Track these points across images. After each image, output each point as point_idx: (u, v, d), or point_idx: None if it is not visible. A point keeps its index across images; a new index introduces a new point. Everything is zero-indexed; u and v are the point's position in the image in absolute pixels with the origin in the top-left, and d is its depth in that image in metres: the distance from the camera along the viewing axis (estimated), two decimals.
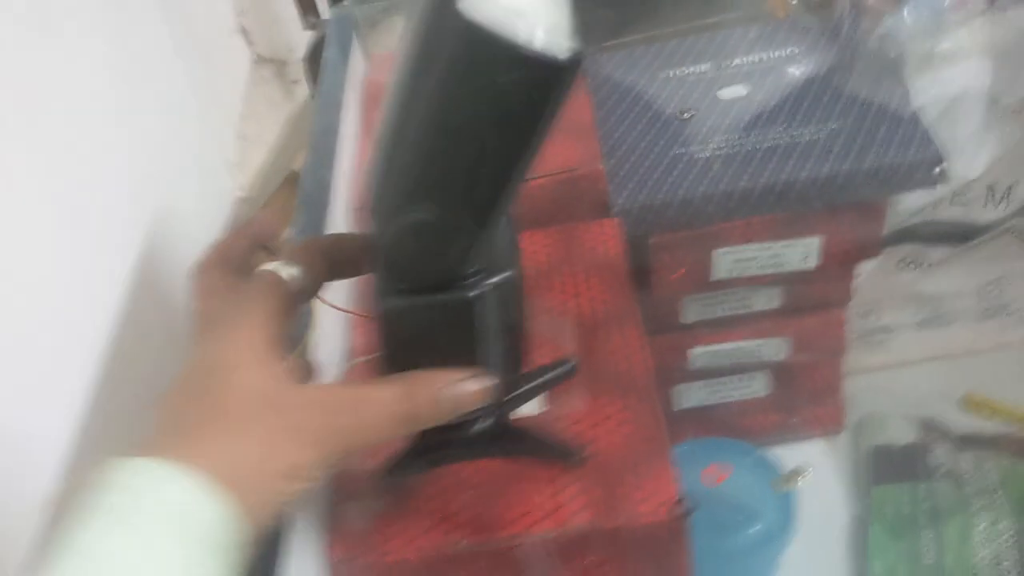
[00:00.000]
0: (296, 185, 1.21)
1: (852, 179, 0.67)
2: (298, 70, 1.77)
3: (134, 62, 1.15)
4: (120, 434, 0.95)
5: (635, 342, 0.58)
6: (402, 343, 0.43)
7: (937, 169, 0.67)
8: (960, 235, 0.85)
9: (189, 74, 1.36)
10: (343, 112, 0.73)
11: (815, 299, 0.75)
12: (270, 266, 0.43)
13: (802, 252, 0.71)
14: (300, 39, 1.77)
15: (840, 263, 0.72)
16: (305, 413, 0.39)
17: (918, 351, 0.90)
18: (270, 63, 1.77)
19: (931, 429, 0.83)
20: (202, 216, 1.32)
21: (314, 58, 0.86)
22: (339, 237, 0.50)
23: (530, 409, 0.55)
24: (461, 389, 0.41)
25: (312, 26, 1.63)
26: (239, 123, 1.63)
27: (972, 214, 0.84)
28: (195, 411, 0.38)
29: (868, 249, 0.71)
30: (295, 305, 0.43)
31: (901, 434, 0.83)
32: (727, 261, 0.71)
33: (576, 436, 0.53)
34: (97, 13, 0.97)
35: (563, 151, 0.70)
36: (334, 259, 0.46)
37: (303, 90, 1.72)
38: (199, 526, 0.34)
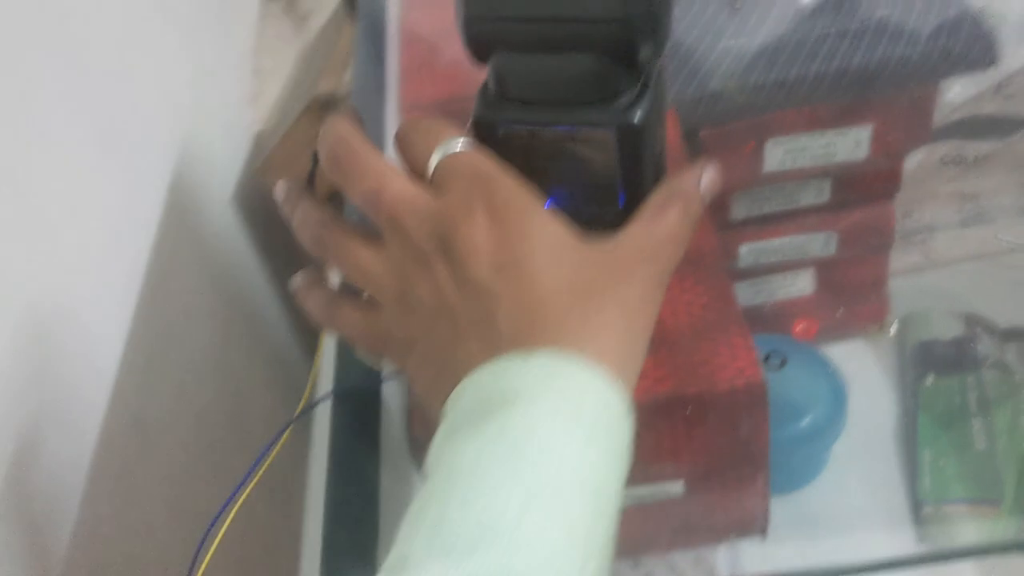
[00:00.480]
0: (319, 111, 1.21)
1: (904, 65, 0.66)
2: (307, 4, 1.76)
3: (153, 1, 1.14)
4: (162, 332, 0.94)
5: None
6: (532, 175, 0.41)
7: (989, 51, 0.66)
8: (1003, 129, 0.85)
9: (204, 12, 1.35)
10: (385, 10, 0.72)
11: (864, 191, 0.75)
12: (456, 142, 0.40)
13: (854, 141, 0.70)
14: None
15: (890, 152, 0.72)
16: (637, 266, 0.39)
17: (960, 250, 0.90)
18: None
19: (975, 323, 0.84)
20: (225, 147, 1.32)
21: None
22: None
23: None
24: (709, 179, 0.42)
25: None
26: (253, 57, 1.62)
27: (1015, 107, 0.83)
28: (560, 297, 0.38)
29: (919, 137, 0.71)
30: None
31: (946, 329, 0.83)
32: (778, 152, 0.70)
33: None
34: None
35: None
36: None
37: (314, 23, 1.71)
38: (601, 416, 0.36)
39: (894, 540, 0.72)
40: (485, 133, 0.41)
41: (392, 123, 0.65)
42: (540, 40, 0.38)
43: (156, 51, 1.11)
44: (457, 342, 0.38)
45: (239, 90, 1.47)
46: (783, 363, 0.70)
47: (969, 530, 0.71)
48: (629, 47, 0.38)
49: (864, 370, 0.83)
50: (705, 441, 0.51)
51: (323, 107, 1.16)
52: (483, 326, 0.37)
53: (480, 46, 0.40)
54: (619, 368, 0.37)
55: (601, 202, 0.42)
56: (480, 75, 0.72)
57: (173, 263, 1.03)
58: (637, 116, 0.39)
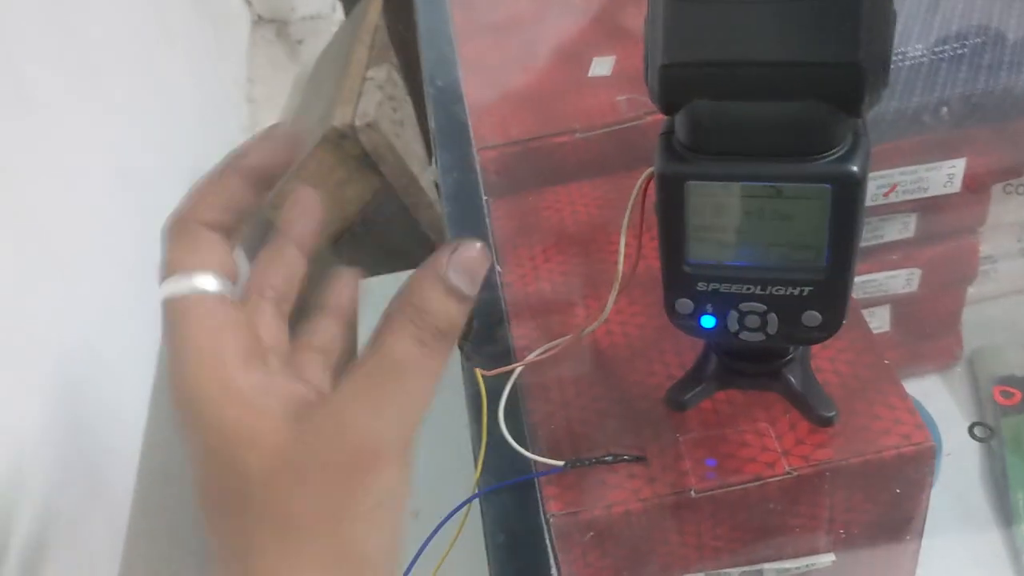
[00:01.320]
0: (335, 143, 1.16)
1: (1005, 96, 0.63)
2: (301, 29, 1.71)
3: (157, 17, 1.09)
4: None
5: None
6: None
7: None
8: None
9: (203, 38, 1.30)
10: (453, 44, 0.68)
11: (951, 225, 0.72)
12: (173, 286, 0.34)
13: (947, 175, 0.67)
14: None
15: (980, 185, 0.69)
16: (347, 443, 0.31)
17: (1021, 280, 0.88)
18: (271, 23, 1.70)
19: None
20: None
21: None
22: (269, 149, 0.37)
23: None
24: (461, 258, 0.33)
25: None
26: (247, 86, 1.56)
27: None
28: (235, 520, 0.31)
29: (1011, 169, 0.68)
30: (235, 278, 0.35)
31: (1021, 363, 0.81)
32: (870, 188, 0.67)
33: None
34: None
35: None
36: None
37: (308, 50, 1.66)
38: None
39: None
40: (671, 188, 0.37)
41: (475, 162, 0.61)
42: (751, 87, 0.35)
43: (163, 81, 1.06)
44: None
45: (236, 120, 1.42)
46: None
47: None
48: (857, 93, 0.34)
49: (940, 405, 0.79)
50: (864, 510, 0.47)
51: (340, 138, 1.11)
52: None
53: (676, 94, 0.36)
54: None
55: (801, 262, 0.38)
56: (555, 111, 0.69)
57: None
58: (857, 167, 0.35)
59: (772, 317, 0.40)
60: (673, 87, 0.36)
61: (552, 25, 0.73)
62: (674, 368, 0.50)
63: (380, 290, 1.00)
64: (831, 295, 0.39)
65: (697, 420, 0.48)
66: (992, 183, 0.70)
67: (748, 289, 0.39)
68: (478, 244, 0.34)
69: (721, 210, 0.38)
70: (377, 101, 1.14)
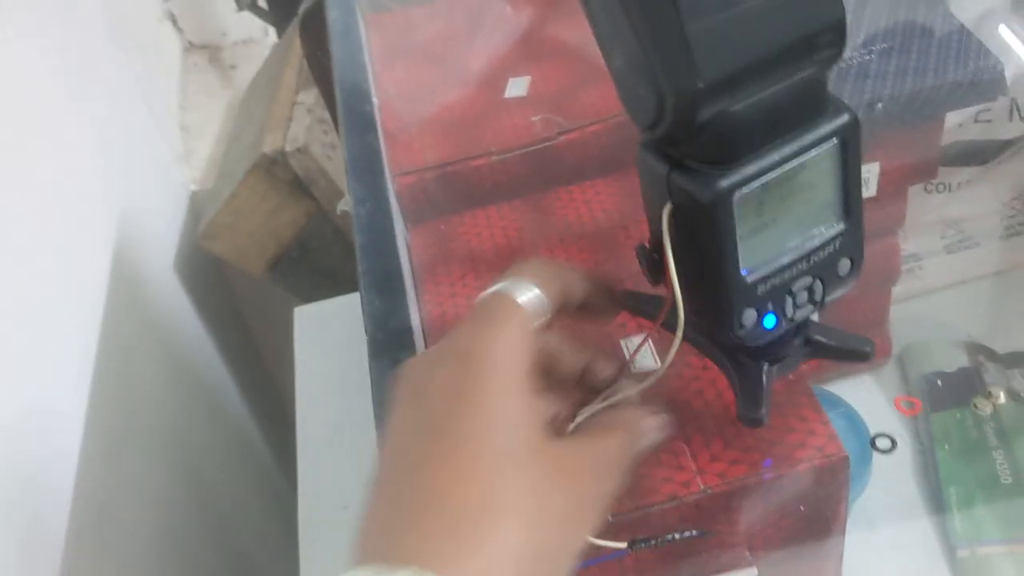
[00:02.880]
0: (267, 169, 1.15)
1: (914, 99, 0.64)
2: (233, 55, 1.69)
3: (77, 53, 1.07)
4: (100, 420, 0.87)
5: None
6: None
7: (997, 81, 0.65)
8: (984, 154, 0.84)
9: (128, 65, 1.28)
10: (368, 72, 0.67)
11: (870, 228, 0.72)
12: (500, 285, 0.40)
13: (862, 179, 0.68)
14: (232, 23, 1.68)
15: (897, 187, 0.70)
16: (563, 479, 0.35)
17: (947, 276, 0.89)
18: (202, 50, 1.69)
19: (977, 351, 0.82)
20: (162, 211, 1.25)
21: (307, 25, 0.80)
22: (587, 273, 0.43)
23: (648, 364, 0.51)
24: (659, 426, 0.41)
25: (245, 6, 1.54)
26: (179, 114, 1.54)
27: (995, 131, 0.83)
28: (450, 500, 0.32)
29: (925, 171, 0.70)
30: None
31: (949, 359, 0.82)
32: None
33: (699, 391, 0.50)
34: (38, 11, 0.90)
35: (612, 93, 0.66)
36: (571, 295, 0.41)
37: (241, 75, 1.64)
38: None
39: None
40: (720, 208, 0.37)
41: (391, 188, 0.60)
42: (771, 77, 0.36)
43: (86, 113, 1.04)
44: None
45: (169, 148, 1.40)
46: None
47: (1009, 571, 0.69)
48: (842, 45, 0.37)
49: (871, 406, 0.80)
50: (782, 523, 0.48)
51: (270, 164, 1.10)
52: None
53: (707, 111, 0.36)
54: None
55: (828, 218, 0.41)
56: (472, 135, 0.68)
57: (122, 341, 0.96)
58: (849, 112, 0.38)
59: (818, 284, 0.42)
60: (707, 106, 0.35)
61: (468, 48, 0.73)
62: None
63: (316, 317, 1.00)
64: (854, 235, 0.42)
65: None
66: (907, 185, 0.71)
67: (797, 269, 0.40)
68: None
69: (761, 208, 0.38)
70: (307, 125, 1.13)
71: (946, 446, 0.75)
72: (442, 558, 0.29)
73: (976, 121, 0.83)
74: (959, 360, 0.82)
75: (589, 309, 0.43)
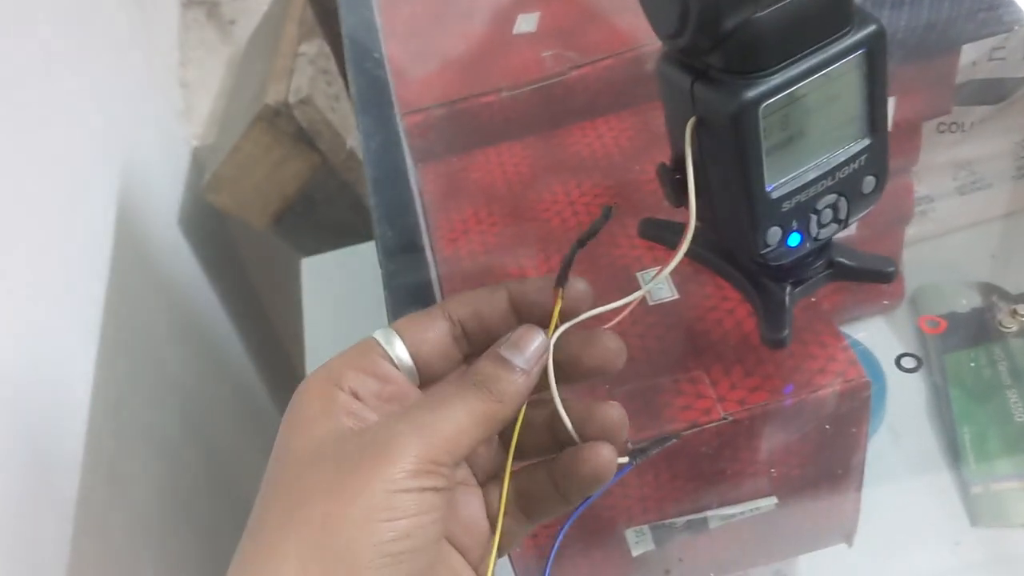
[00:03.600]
0: (270, 121, 1.14)
1: (929, 31, 0.63)
2: (232, 9, 1.67)
3: (75, 11, 1.06)
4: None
5: None
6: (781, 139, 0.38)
7: (1014, 11, 0.64)
8: (998, 93, 0.83)
9: (126, 22, 1.26)
10: (374, 8, 0.66)
11: None
12: (377, 334, 0.37)
13: None
14: None
15: (912, 124, 0.69)
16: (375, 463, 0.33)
17: (959, 217, 0.89)
18: (201, 5, 1.66)
19: (990, 292, 0.82)
20: (164, 166, 1.24)
21: None
22: (479, 296, 0.38)
23: (665, 295, 0.51)
24: (514, 336, 0.36)
25: None
26: (179, 70, 1.53)
27: (1010, 69, 0.82)
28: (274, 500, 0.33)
29: (940, 106, 0.69)
30: (388, 375, 0.36)
31: (962, 300, 0.81)
32: None
33: (717, 320, 0.49)
34: None
35: (623, 28, 0.65)
36: (472, 322, 0.38)
37: (241, 30, 1.62)
38: None
39: (946, 526, 0.69)
40: (746, 120, 0.36)
41: (399, 127, 0.59)
42: None
43: (87, 71, 1.03)
44: None
45: (169, 105, 1.39)
46: None
47: (1022, 506, 0.69)
48: None
49: (885, 349, 0.80)
50: (803, 450, 0.47)
51: (273, 116, 1.08)
52: None
53: (734, 18, 0.35)
54: None
55: (852, 133, 0.40)
56: (481, 71, 0.67)
57: (128, 297, 0.96)
58: (877, 24, 0.37)
59: (842, 202, 0.41)
60: (732, 13, 0.35)
61: None
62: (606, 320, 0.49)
63: (323, 268, 0.99)
64: (879, 151, 0.41)
65: (630, 371, 0.47)
66: (922, 121, 0.70)
67: (822, 185, 0.40)
68: (540, 333, 0.36)
69: (787, 121, 0.37)
70: (310, 76, 1.12)
71: (960, 386, 0.75)
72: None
73: (991, 59, 0.81)
74: (972, 301, 0.81)
75: (522, 309, 0.38)
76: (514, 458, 0.37)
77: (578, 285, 0.38)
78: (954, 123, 0.84)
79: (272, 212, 1.16)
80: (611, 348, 0.37)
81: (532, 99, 0.63)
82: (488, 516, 0.37)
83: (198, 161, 1.32)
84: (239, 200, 1.15)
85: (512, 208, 0.59)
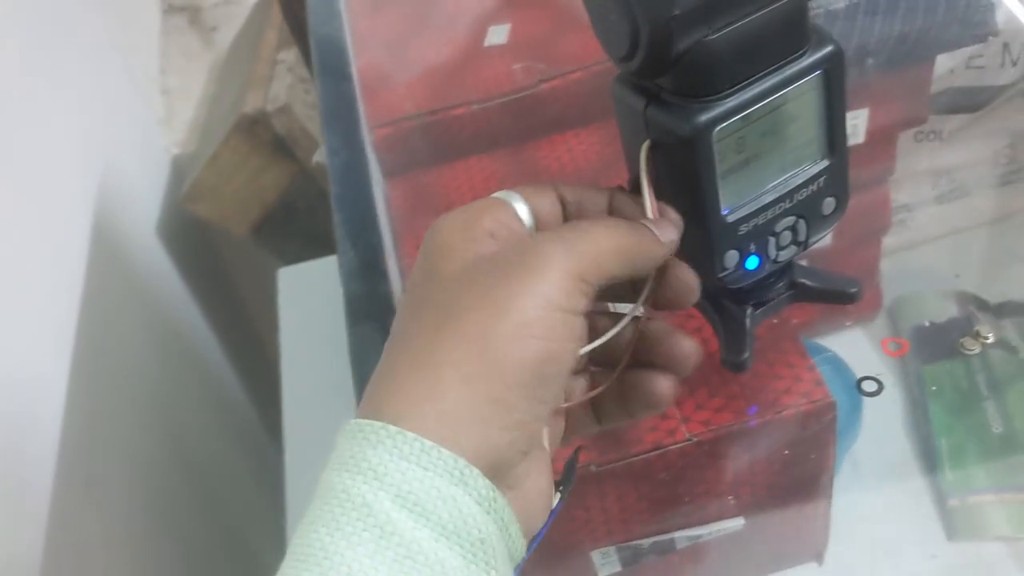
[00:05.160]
0: (248, 129, 1.13)
1: (903, 41, 0.63)
2: (214, 16, 1.66)
3: (52, 17, 1.05)
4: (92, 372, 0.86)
5: None
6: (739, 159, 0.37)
7: (987, 22, 0.63)
8: (976, 101, 0.83)
9: (106, 29, 1.25)
10: (343, 20, 0.65)
11: (859, 177, 0.71)
12: (500, 193, 0.37)
13: (850, 125, 0.67)
14: None
15: (886, 134, 0.68)
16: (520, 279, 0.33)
17: (938, 226, 0.88)
18: (182, 11, 1.65)
19: (968, 302, 0.81)
20: (144, 175, 1.23)
21: None
22: (586, 186, 0.39)
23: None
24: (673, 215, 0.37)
25: None
26: (160, 77, 1.52)
27: (987, 77, 0.81)
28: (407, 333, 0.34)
29: (915, 116, 0.68)
30: (515, 226, 0.36)
31: (940, 310, 0.81)
32: None
33: (687, 337, 0.49)
34: None
35: (595, 39, 0.65)
36: (578, 202, 0.38)
37: (223, 37, 1.62)
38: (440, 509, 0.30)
39: (923, 540, 0.69)
40: (700, 143, 0.36)
41: (368, 140, 0.59)
42: (748, 2, 0.34)
43: (64, 78, 1.02)
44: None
45: (150, 112, 1.38)
46: None
47: (1000, 520, 0.69)
48: None
49: (862, 358, 0.79)
50: (769, 471, 0.47)
51: (252, 124, 1.08)
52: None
53: (684, 41, 0.34)
54: (455, 434, 0.31)
55: (811, 154, 0.39)
56: (451, 84, 0.67)
57: (105, 306, 0.95)
58: (835, 43, 0.36)
59: (802, 224, 0.40)
60: (683, 35, 0.34)
61: None
62: None
63: (299, 279, 0.98)
64: (839, 171, 0.40)
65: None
66: (897, 132, 0.69)
67: (780, 208, 0.39)
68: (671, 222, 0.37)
69: (742, 144, 0.37)
70: (288, 84, 1.11)
71: (937, 396, 0.75)
72: (403, 416, 0.31)
73: (968, 67, 0.81)
74: (950, 310, 0.81)
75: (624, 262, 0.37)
76: (595, 366, 0.39)
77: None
78: (932, 132, 0.84)
79: (252, 221, 1.15)
80: (684, 349, 0.38)
81: (502, 112, 0.63)
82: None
83: (179, 169, 1.32)
84: (219, 209, 1.14)
85: None
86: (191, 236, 1.25)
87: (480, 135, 0.63)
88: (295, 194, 1.14)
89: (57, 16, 1.04)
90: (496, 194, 0.37)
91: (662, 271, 0.38)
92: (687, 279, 0.38)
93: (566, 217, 0.38)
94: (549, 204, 0.37)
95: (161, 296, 1.13)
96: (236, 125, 1.08)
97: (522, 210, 0.36)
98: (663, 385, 0.37)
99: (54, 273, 0.88)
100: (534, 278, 0.32)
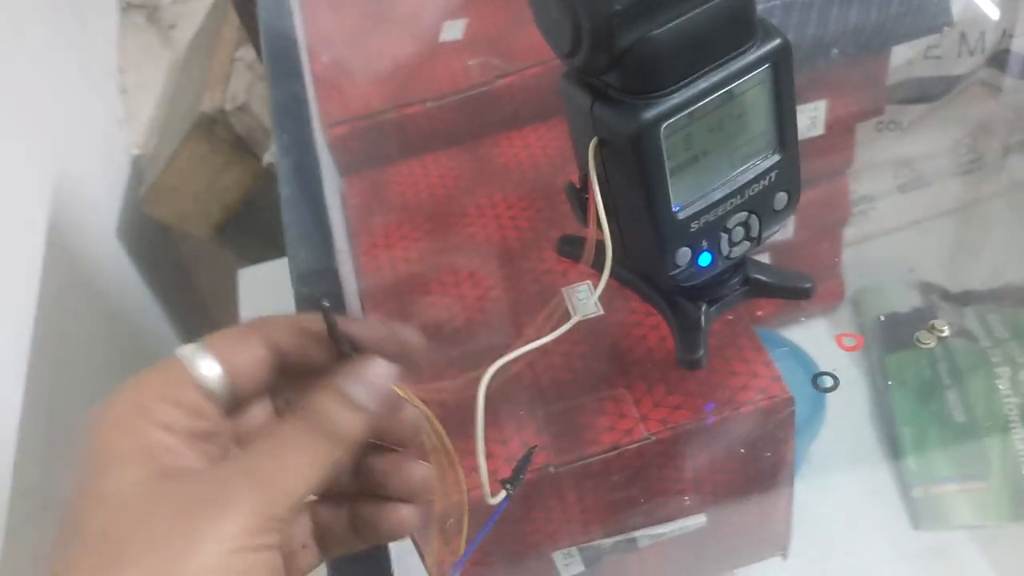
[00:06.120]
0: (207, 129, 1.11)
1: (860, 32, 0.63)
2: (172, 13, 1.63)
3: (5, 14, 1.03)
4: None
5: None
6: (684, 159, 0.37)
7: (943, 13, 0.63)
8: (935, 91, 0.83)
9: (62, 27, 1.23)
10: (294, 17, 0.64)
11: (818, 169, 0.71)
12: (183, 349, 0.32)
13: (808, 118, 0.67)
14: None
15: (845, 126, 0.68)
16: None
17: (900, 216, 0.88)
18: (140, 9, 1.63)
19: (930, 291, 0.82)
20: (102, 176, 1.21)
21: None
22: (301, 319, 0.34)
23: (590, 311, 0.49)
24: (361, 370, 0.32)
25: None
26: (118, 76, 1.49)
27: (945, 67, 0.82)
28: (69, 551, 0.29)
29: (872, 107, 0.68)
30: (201, 409, 0.32)
31: (902, 300, 0.81)
32: None
33: (642, 336, 0.48)
34: None
35: None
36: (291, 350, 0.33)
37: (181, 34, 1.59)
38: None
39: (887, 529, 0.69)
40: (648, 140, 0.35)
41: (323, 139, 0.58)
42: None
43: (18, 77, 1.00)
44: None
45: (109, 111, 1.35)
46: None
47: (963, 509, 0.69)
48: None
49: (824, 348, 0.79)
50: (729, 467, 0.47)
51: (211, 124, 1.06)
52: None
53: (628, 37, 0.34)
54: None
55: (761, 149, 0.39)
56: (406, 81, 0.66)
57: (64, 311, 0.93)
58: (782, 37, 0.36)
59: (754, 219, 0.40)
60: (626, 31, 0.33)
61: None
62: (532, 338, 0.48)
63: (262, 276, 0.97)
64: (790, 166, 0.40)
65: (554, 390, 0.46)
66: (855, 122, 0.69)
67: (731, 204, 0.39)
68: (383, 363, 0.32)
69: (690, 140, 0.36)
70: (248, 82, 1.09)
71: (900, 386, 0.75)
72: None
73: (926, 58, 0.81)
74: (912, 300, 0.81)
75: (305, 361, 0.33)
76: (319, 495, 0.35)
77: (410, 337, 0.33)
78: (892, 122, 0.84)
79: (214, 221, 1.13)
80: (418, 476, 0.34)
81: (458, 109, 0.62)
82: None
83: (139, 170, 1.30)
84: (179, 211, 1.12)
85: (436, 220, 0.57)
86: (153, 238, 1.23)
87: (436, 132, 0.62)
88: (256, 194, 1.13)
89: (11, 12, 1.02)
90: (181, 349, 0.32)
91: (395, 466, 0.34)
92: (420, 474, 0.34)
93: (278, 367, 0.33)
94: (250, 358, 0.32)
95: (122, 300, 1.11)
96: (195, 125, 1.07)
97: (210, 375, 0.31)
98: (406, 514, 0.33)
99: (9, 278, 0.86)
100: (217, 519, 0.28)
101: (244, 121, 1.07)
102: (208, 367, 0.31)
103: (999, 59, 0.80)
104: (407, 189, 0.59)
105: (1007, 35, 0.78)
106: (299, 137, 0.54)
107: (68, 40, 1.25)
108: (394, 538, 0.34)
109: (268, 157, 1.05)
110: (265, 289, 0.91)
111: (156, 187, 1.11)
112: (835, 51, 0.64)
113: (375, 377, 0.32)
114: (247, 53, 1.14)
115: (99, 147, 1.25)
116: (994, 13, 0.74)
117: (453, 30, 0.66)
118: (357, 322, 0.33)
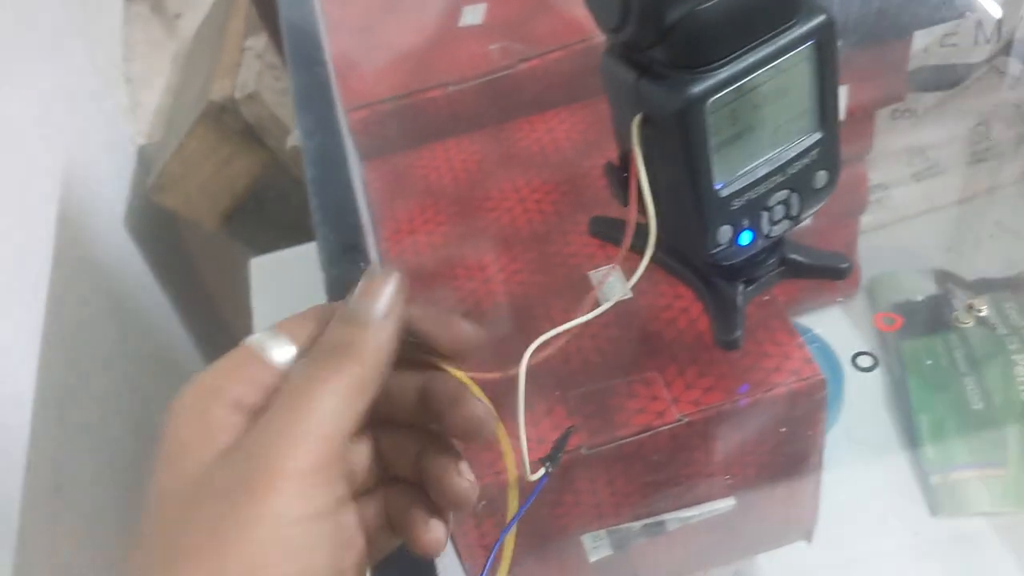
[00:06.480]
0: (216, 118, 1.11)
1: (881, 18, 0.63)
2: (177, 3, 1.63)
3: (11, 5, 1.02)
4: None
5: None
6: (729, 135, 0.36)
7: None
8: (951, 78, 0.83)
9: (68, 17, 1.23)
10: (314, 2, 0.64)
11: None
12: (252, 338, 0.32)
13: None
14: None
15: (865, 112, 0.68)
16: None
17: (915, 204, 0.88)
18: None
19: (946, 279, 0.82)
20: (109, 165, 1.20)
21: None
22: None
23: (619, 294, 0.49)
24: (360, 286, 0.32)
25: None
26: (124, 66, 1.49)
27: (961, 55, 0.81)
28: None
29: (894, 93, 0.68)
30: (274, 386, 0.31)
31: (918, 288, 0.81)
32: None
33: (671, 319, 0.48)
34: None
35: (572, 18, 0.64)
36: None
37: (186, 24, 1.59)
38: None
39: (906, 516, 0.69)
40: (692, 115, 0.35)
41: (344, 123, 0.57)
42: None
43: (24, 67, 1.00)
44: None
45: (114, 101, 1.35)
46: None
47: (981, 496, 0.69)
48: None
49: (841, 336, 0.79)
50: (759, 450, 0.46)
51: (219, 113, 1.06)
52: None
53: (678, 11, 0.34)
54: None
55: (803, 128, 0.38)
56: (426, 65, 0.65)
57: (72, 300, 0.93)
58: (827, 13, 0.36)
59: (795, 198, 0.40)
60: (675, 5, 0.33)
61: None
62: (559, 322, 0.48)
63: (273, 268, 0.97)
64: (831, 145, 0.39)
65: (584, 373, 0.46)
66: (876, 109, 0.69)
67: (773, 181, 0.39)
68: (381, 274, 0.32)
69: (734, 116, 0.36)
70: (257, 71, 1.09)
71: (917, 374, 0.75)
72: None
73: (942, 45, 0.81)
74: (928, 288, 0.81)
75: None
76: (384, 432, 0.34)
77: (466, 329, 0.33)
78: (908, 110, 0.84)
79: (222, 211, 1.13)
80: (466, 331, 0.33)
81: (480, 93, 0.62)
82: (364, 530, 0.33)
83: (145, 159, 1.29)
84: (187, 200, 1.12)
85: (460, 205, 0.57)
86: (160, 227, 1.23)
87: (458, 116, 0.62)
88: (265, 183, 1.13)
89: (17, 3, 1.01)
90: (250, 339, 0.32)
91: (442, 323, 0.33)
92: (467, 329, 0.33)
93: None
94: (311, 332, 0.32)
95: (130, 289, 1.11)
96: (204, 114, 1.06)
97: (279, 351, 0.31)
98: (465, 483, 0.32)
99: (18, 268, 0.86)
100: (259, 496, 0.27)
101: (253, 110, 1.06)
102: (281, 352, 0.31)
103: (1015, 47, 0.80)
104: (430, 173, 0.59)
105: None
106: (323, 120, 0.54)
107: (74, 30, 1.24)
108: (459, 509, 0.33)
109: (291, 140, 1.05)
110: (277, 279, 0.91)
111: (163, 175, 1.11)
112: (855, 36, 0.64)
113: (374, 288, 0.32)
114: (257, 42, 1.13)
115: (106, 136, 1.25)
116: (1011, 1, 0.74)
117: (473, 15, 0.66)
118: (412, 307, 0.33)
